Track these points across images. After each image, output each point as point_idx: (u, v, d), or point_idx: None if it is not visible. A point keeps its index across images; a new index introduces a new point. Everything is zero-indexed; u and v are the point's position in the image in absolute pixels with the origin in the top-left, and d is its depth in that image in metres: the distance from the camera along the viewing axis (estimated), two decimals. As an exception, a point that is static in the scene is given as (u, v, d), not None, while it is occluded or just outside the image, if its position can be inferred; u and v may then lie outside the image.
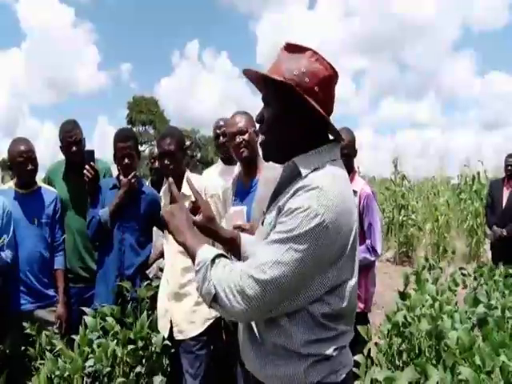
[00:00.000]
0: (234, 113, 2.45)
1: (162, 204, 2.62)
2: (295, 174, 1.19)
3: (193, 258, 1.22)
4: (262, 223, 1.31)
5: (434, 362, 2.16)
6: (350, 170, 2.82)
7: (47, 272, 2.76)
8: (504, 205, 5.22)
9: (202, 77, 69.38)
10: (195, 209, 1.45)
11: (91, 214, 2.66)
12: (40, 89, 71.25)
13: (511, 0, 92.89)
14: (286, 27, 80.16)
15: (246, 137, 2.33)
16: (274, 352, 1.19)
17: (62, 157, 2.99)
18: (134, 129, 41.61)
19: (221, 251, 1.20)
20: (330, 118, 1.24)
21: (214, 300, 1.14)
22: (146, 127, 40.72)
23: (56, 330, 2.64)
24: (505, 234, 5.01)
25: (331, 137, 1.29)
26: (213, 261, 1.16)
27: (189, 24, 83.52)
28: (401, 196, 9.55)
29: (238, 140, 2.34)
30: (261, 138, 1.29)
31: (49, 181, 3.00)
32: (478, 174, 9.46)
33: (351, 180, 2.78)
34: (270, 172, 2.17)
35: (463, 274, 3.49)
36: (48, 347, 2.41)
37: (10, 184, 2.86)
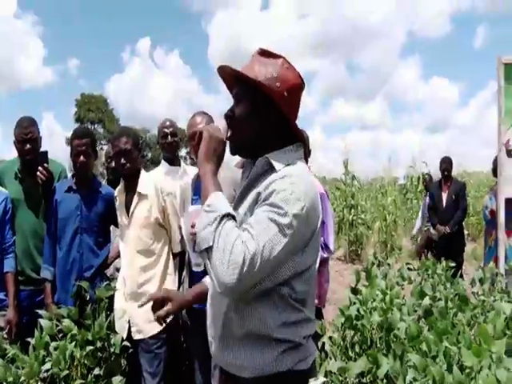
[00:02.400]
0: (195, 113, 2.48)
1: (116, 203, 2.60)
2: (267, 168, 1.26)
3: (205, 194, 1.21)
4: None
5: (384, 352, 2.28)
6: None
7: (-3, 275, 2.66)
8: (444, 205, 5.56)
9: (154, 75, 68.33)
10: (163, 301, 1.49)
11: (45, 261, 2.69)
12: (-22, 84, 67.39)
13: (453, 10, 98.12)
14: (238, 27, 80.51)
15: None
16: (247, 341, 1.24)
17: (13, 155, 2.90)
18: (82, 127, 40.36)
19: (231, 210, 1.19)
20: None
21: (206, 250, 1.14)
22: (95, 126, 39.50)
23: (5, 336, 2.55)
24: (448, 230, 5.34)
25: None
26: (226, 216, 1.15)
27: (140, 20, 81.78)
28: (351, 196, 9.87)
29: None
30: (229, 132, 1.34)
31: (-1, 180, 2.89)
32: (423, 174, 9.95)
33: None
34: (225, 172, 2.24)
35: (410, 269, 3.70)
36: (-1, 353, 2.33)
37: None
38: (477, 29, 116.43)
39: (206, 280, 1.55)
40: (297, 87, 1.30)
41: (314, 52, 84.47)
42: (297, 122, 1.34)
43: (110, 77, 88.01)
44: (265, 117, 1.28)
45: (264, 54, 1.30)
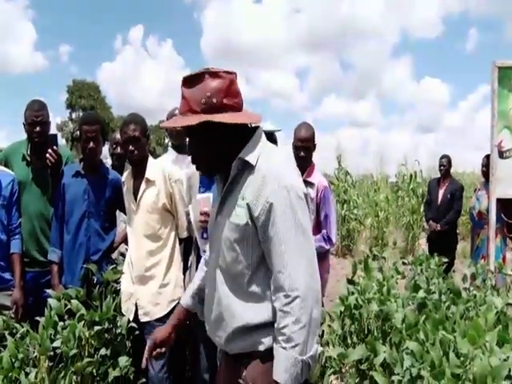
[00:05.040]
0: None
1: (124, 189, 2.64)
2: (244, 165, 1.36)
3: None
4: (216, 220, 1.45)
5: (380, 341, 2.37)
6: (309, 163, 2.99)
7: (3, 255, 2.69)
8: (439, 202, 5.68)
9: (146, 64, 67.77)
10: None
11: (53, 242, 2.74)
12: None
13: (445, 12, 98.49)
14: (231, 19, 79.99)
15: None
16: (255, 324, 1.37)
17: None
18: (74, 114, 40.00)
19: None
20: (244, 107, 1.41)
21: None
22: (84, 113, 39.12)
23: (12, 315, 2.59)
24: (439, 228, 5.47)
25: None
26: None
27: (133, 8, 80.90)
28: (343, 191, 9.97)
29: None
30: (195, 166, 1.45)
31: (5, 162, 2.91)
32: (415, 173, 10.08)
33: (310, 173, 2.95)
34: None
35: (404, 263, 3.80)
36: (6, 332, 2.37)
37: (-36, 165, 2.76)
38: (468, 32, 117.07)
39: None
40: (229, 86, 1.34)
41: (306, 47, 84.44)
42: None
43: (101, 64, 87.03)
44: (220, 136, 1.35)
45: (187, 82, 1.35)
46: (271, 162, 1.34)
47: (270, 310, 1.34)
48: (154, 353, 1.59)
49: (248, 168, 1.34)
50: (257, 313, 1.35)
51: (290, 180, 1.33)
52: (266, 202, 1.28)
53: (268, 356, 1.33)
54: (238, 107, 1.36)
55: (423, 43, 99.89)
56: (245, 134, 1.39)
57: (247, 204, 1.31)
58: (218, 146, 1.37)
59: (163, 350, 1.60)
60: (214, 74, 1.32)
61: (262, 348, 1.35)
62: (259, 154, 1.35)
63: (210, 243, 1.53)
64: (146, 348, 1.59)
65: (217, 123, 1.30)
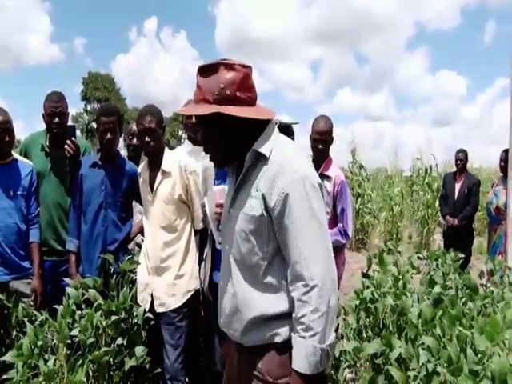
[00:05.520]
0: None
1: (140, 180, 2.66)
2: (257, 157, 1.36)
3: None
4: (229, 213, 1.45)
5: (396, 335, 2.36)
6: (327, 156, 2.97)
7: (23, 244, 2.74)
8: (456, 197, 5.61)
9: (160, 56, 67.81)
10: None
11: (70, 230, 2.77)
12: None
13: (463, 4, 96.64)
14: (244, 11, 79.55)
15: None
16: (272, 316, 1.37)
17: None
18: (89, 106, 40.28)
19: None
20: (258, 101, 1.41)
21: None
22: (102, 104, 39.38)
23: (31, 303, 2.64)
24: (456, 223, 5.40)
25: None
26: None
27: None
28: (357, 185, 9.90)
29: None
30: (208, 157, 1.46)
31: (25, 152, 2.95)
32: (430, 167, 9.97)
33: (327, 166, 2.93)
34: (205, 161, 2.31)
35: (419, 258, 3.77)
36: (26, 319, 2.42)
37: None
38: (486, 24, 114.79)
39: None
40: (244, 79, 1.35)
41: (320, 39, 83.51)
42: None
43: (115, 56, 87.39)
44: (232, 125, 1.35)
45: (202, 71, 1.35)
46: (285, 154, 1.35)
47: (286, 301, 1.35)
48: None
49: (261, 160, 1.35)
50: (272, 303, 1.35)
51: (305, 170, 1.34)
52: (282, 193, 1.29)
53: (284, 348, 1.33)
54: (250, 101, 1.36)
55: (439, 35, 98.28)
56: (257, 127, 1.39)
57: (262, 195, 1.32)
58: (230, 137, 1.37)
59: None
60: (229, 66, 1.33)
61: (278, 340, 1.36)
62: (272, 146, 1.36)
63: (222, 235, 1.53)
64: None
65: (228, 115, 1.31)
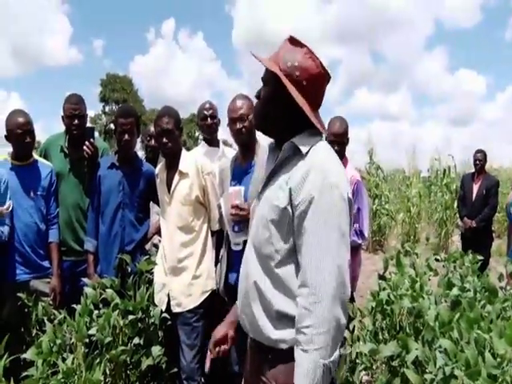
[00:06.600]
0: (236, 96, 2.50)
1: (157, 181, 2.68)
2: (294, 151, 1.36)
3: None
4: (259, 198, 1.45)
5: (413, 338, 2.33)
6: (343, 157, 2.96)
7: (42, 244, 2.79)
8: (474, 198, 5.52)
9: (177, 57, 68.33)
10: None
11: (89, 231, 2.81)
12: (4, 58, 68.21)
13: (483, 1, 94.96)
14: (261, 11, 79.56)
15: (246, 124, 2.40)
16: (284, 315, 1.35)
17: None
18: (107, 107, 40.83)
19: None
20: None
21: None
22: (120, 106, 39.84)
23: (51, 302, 2.69)
24: (474, 225, 5.32)
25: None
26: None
27: (165, 1, 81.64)
28: (375, 186, 9.80)
29: (238, 126, 2.42)
30: (255, 110, 1.47)
31: (44, 153, 3.01)
32: (449, 168, 9.82)
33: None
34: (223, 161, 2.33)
35: (437, 260, 3.72)
36: (45, 318, 2.46)
37: (5, 156, 2.86)
38: (508, 20, 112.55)
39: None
40: (317, 76, 1.35)
41: (337, 39, 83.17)
42: (320, 110, 1.42)
43: (133, 57, 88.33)
44: (283, 103, 1.36)
45: (292, 41, 1.38)
46: (321, 157, 1.33)
47: (292, 305, 1.32)
48: (217, 349, 1.57)
49: (298, 155, 1.34)
50: (278, 300, 1.34)
51: (337, 180, 1.30)
52: (309, 194, 1.27)
53: (291, 356, 1.29)
54: (311, 99, 1.36)
55: (459, 33, 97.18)
56: (304, 126, 1.38)
57: (290, 189, 1.31)
58: (276, 110, 1.39)
59: (226, 347, 1.59)
60: (312, 58, 1.35)
61: (284, 346, 1.34)
62: (312, 145, 1.35)
63: (250, 222, 1.54)
64: (209, 349, 1.59)
65: (286, 95, 1.33)
